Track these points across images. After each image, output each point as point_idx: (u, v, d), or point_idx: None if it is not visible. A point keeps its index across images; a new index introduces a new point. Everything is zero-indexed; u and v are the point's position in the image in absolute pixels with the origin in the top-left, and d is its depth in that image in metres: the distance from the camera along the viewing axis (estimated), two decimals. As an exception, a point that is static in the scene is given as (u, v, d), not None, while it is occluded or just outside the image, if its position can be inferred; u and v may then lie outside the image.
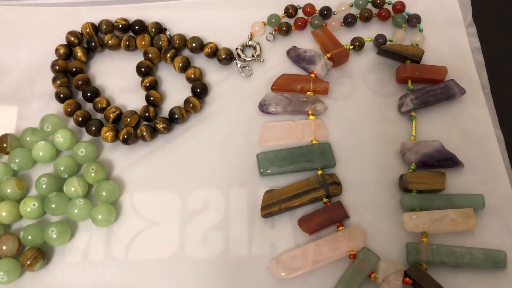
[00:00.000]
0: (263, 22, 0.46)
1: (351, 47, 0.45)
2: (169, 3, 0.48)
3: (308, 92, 0.43)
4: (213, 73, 0.45)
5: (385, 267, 0.36)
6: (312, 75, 0.43)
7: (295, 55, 0.44)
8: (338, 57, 0.44)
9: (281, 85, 0.43)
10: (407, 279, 0.35)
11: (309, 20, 0.46)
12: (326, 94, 0.43)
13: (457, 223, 0.37)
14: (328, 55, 0.44)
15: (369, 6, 0.47)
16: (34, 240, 0.37)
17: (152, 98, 0.42)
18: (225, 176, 0.40)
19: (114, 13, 0.47)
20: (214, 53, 0.44)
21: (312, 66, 0.44)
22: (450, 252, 0.36)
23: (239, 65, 0.44)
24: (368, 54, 0.45)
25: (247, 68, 0.44)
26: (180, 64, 0.43)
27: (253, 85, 0.44)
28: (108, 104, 0.42)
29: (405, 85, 0.43)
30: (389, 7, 0.47)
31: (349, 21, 0.46)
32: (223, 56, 0.44)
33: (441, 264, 0.36)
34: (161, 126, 0.41)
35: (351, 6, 0.47)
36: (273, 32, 0.46)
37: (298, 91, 0.43)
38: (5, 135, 0.41)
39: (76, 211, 0.38)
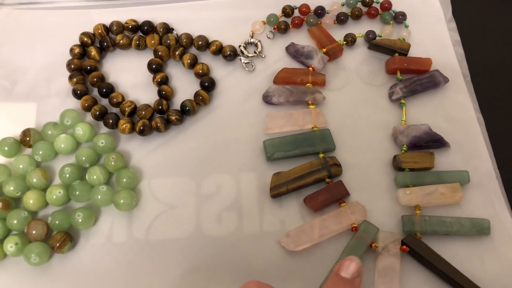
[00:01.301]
0: (262, 21, 0.50)
1: (345, 42, 0.49)
2: (174, 5, 0.51)
3: (307, 84, 0.47)
4: (218, 69, 0.48)
5: (384, 237, 0.40)
6: (310, 68, 0.47)
7: (293, 51, 0.48)
8: (333, 52, 0.48)
9: (282, 78, 0.47)
10: (404, 247, 0.39)
11: (305, 19, 0.50)
12: (323, 85, 0.47)
13: (446, 197, 0.41)
14: (324, 50, 0.48)
15: (359, 5, 0.51)
16: (61, 225, 0.40)
17: (164, 92, 0.46)
18: (235, 162, 0.44)
19: (122, 15, 0.50)
20: (219, 50, 0.48)
21: (310, 61, 0.48)
22: (441, 222, 0.40)
23: (243, 61, 0.48)
24: (359, 49, 0.50)
25: (251, 63, 0.48)
26: (189, 61, 0.47)
27: (256, 79, 0.48)
28: (123, 99, 0.46)
29: (394, 75, 0.48)
30: (377, 6, 0.51)
31: (341, 19, 0.50)
32: (228, 53, 0.47)
33: (433, 233, 0.40)
34: (174, 117, 0.44)
35: (343, 5, 0.51)
36: (273, 31, 0.50)
37: (298, 83, 0.47)
38: (28, 129, 0.43)
39: (99, 197, 0.41)
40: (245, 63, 0.48)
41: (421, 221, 0.40)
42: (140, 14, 0.50)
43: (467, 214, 0.41)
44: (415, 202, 0.41)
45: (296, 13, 0.51)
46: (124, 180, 0.42)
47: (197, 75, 0.47)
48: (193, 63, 0.47)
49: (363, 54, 0.49)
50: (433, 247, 0.39)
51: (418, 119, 0.46)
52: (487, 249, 0.40)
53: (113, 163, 0.42)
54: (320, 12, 0.50)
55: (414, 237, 0.39)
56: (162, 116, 0.45)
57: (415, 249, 0.39)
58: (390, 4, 0.50)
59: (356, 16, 0.50)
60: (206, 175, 0.43)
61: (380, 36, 0.49)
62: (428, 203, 0.41)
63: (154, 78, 0.46)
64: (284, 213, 0.42)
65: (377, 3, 0.51)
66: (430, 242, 0.40)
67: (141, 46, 0.48)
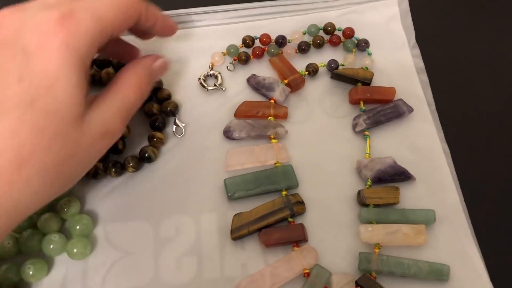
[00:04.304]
0: (222, 52, 0.49)
1: (306, 72, 0.48)
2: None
3: (269, 117, 0.45)
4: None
5: (337, 280, 0.38)
6: (272, 101, 0.46)
7: (254, 83, 0.47)
8: (295, 83, 0.47)
9: (243, 111, 0.45)
10: None
11: (266, 49, 0.49)
12: (285, 118, 0.46)
13: (409, 238, 0.40)
14: (286, 81, 0.47)
15: (321, 33, 0.50)
16: (10, 279, 0.38)
17: (119, 131, 0.44)
18: (194, 202, 0.42)
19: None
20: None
21: (271, 93, 0.46)
22: (399, 263, 0.39)
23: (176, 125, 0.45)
24: (322, 79, 0.48)
25: (180, 127, 0.45)
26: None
27: (216, 113, 0.46)
28: (77, 139, 0.44)
29: (357, 106, 0.47)
30: (340, 33, 0.50)
31: (303, 48, 0.49)
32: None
33: (389, 274, 0.39)
34: (131, 170, 0.42)
35: (304, 33, 0.50)
36: (233, 62, 0.49)
37: (259, 117, 0.45)
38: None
39: (51, 246, 0.39)
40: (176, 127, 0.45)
41: (378, 260, 0.39)
42: (95, 48, 0.48)
43: (433, 250, 0.40)
44: (376, 240, 0.40)
45: (257, 43, 0.49)
46: (78, 227, 0.40)
47: (147, 114, 0.45)
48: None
49: (326, 84, 0.48)
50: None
51: (382, 151, 0.45)
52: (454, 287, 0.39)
53: (66, 209, 0.40)
54: (281, 41, 0.49)
55: (369, 277, 0.38)
56: (118, 161, 0.43)
57: None
58: (352, 32, 0.49)
59: (318, 45, 0.49)
60: (165, 218, 0.42)
61: (342, 65, 0.48)
62: (389, 243, 0.40)
63: (109, 116, 0.45)
64: (246, 256, 0.40)
65: (339, 30, 0.50)
66: (385, 283, 0.38)
67: (96, 81, 0.46)
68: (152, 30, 0.40)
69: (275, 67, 0.48)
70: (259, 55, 0.48)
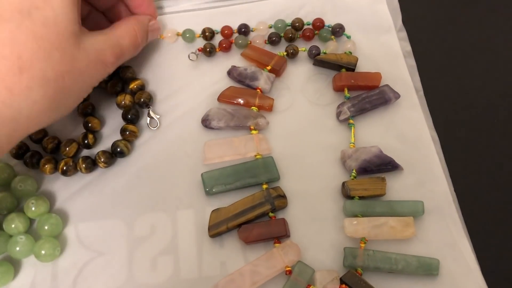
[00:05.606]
0: (177, 33, 0.46)
1: (285, 53, 0.45)
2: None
3: (252, 107, 0.43)
4: (152, 94, 0.44)
5: (321, 277, 0.36)
6: (258, 90, 0.44)
7: (236, 74, 0.44)
8: (279, 66, 0.44)
9: (228, 96, 0.43)
10: (343, 286, 0.36)
11: (233, 41, 0.46)
12: (270, 111, 0.43)
13: (396, 231, 0.38)
14: (269, 67, 0.44)
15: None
16: (-25, 284, 0.36)
17: (90, 125, 0.41)
18: (171, 198, 0.40)
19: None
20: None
21: (256, 82, 0.44)
22: (386, 258, 0.37)
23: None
24: (304, 65, 0.46)
25: (154, 119, 0.43)
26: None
27: (193, 104, 0.44)
28: (46, 134, 0.41)
29: (342, 93, 0.44)
30: (310, 27, 0.47)
31: (273, 40, 0.46)
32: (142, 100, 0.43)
33: (375, 269, 0.37)
34: (102, 164, 0.40)
35: (270, 27, 0.47)
36: (196, 52, 0.45)
37: (242, 105, 0.43)
38: None
39: (18, 248, 0.37)
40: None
41: (364, 255, 0.37)
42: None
43: (422, 243, 0.38)
44: (361, 234, 0.38)
45: (217, 38, 0.46)
46: (46, 227, 0.38)
47: (119, 106, 0.43)
48: (117, 91, 0.43)
49: (309, 71, 0.45)
50: (375, 285, 0.36)
51: (368, 140, 0.42)
52: (444, 282, 0.37)
53: (33, 208, 0.38)
54: (244, 30, 0.46)
55: (354, 274, 0.36)
56: (88, 157, 0.40)
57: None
58: (322, 21, 0.46)
59: (290, 38, 0.46)
60: (139, 215, 0.39)
61: (325, 53, 0.45)
62: (375, 236, 0.38)
63: (78, 108, 0.42)
64: (225, 254, 0.38)
65: (308, 24, 0.47)
66: (372, 279, 0.36)
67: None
68: (139, 4, 0.42)
69: (250, 59, 0.45)
70: (226, 48, 0.45)
